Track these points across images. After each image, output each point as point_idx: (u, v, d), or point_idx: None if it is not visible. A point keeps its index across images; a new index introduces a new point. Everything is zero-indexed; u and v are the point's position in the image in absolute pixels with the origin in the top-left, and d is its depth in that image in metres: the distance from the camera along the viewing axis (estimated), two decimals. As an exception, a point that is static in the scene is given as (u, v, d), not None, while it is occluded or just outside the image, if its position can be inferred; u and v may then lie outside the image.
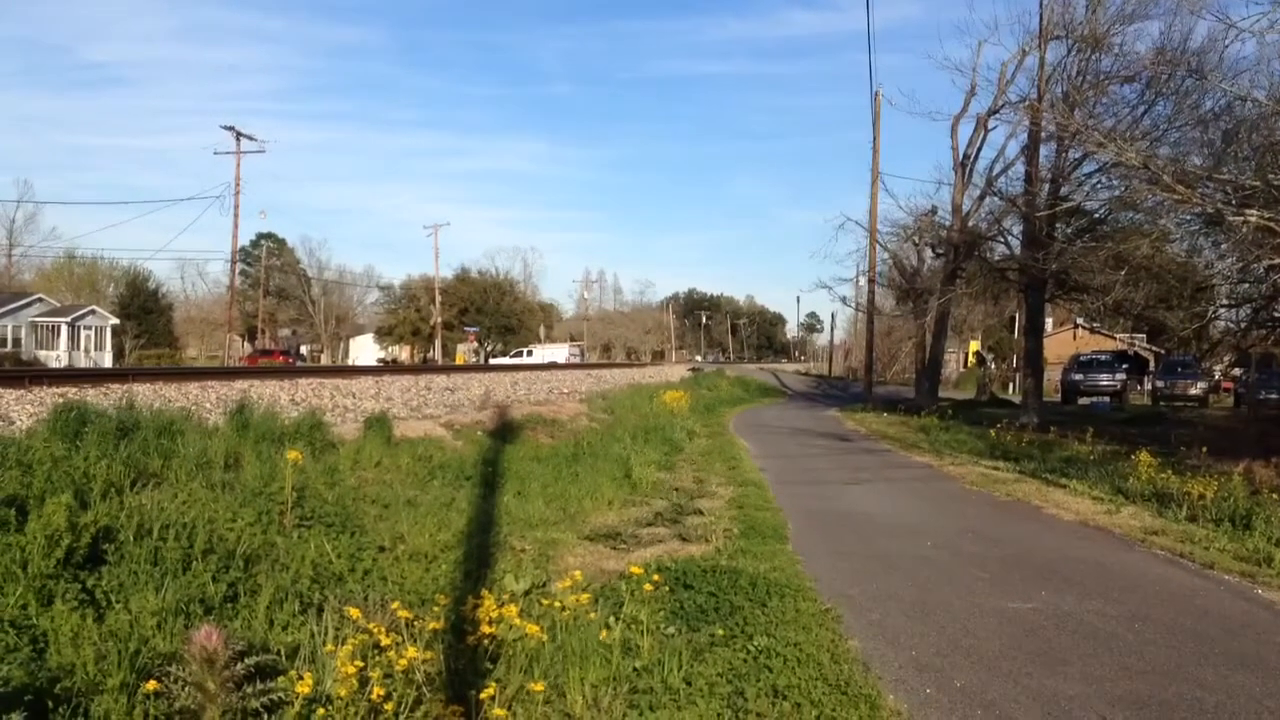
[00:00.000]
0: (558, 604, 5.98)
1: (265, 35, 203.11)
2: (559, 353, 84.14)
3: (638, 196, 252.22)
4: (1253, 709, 5.41)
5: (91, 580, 5.72)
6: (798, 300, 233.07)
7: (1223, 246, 20.45)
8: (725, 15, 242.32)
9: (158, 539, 6.41)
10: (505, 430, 16.39)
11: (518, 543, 8.91)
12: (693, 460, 17.51)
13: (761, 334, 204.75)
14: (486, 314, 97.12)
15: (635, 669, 5.48)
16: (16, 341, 59.21)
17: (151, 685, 4.17)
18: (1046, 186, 26.70)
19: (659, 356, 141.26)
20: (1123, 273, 21.75)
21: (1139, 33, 25.51)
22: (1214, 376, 45.85)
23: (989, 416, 27.57)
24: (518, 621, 5.42)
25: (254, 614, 5.75)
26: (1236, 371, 42.43)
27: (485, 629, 5.40)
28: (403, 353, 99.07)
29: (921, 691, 5.58)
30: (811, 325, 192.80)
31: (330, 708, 4.27)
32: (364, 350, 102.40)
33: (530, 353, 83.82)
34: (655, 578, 6.70)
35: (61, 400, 11.85)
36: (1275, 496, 11.78)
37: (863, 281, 43.24)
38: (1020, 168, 30.08)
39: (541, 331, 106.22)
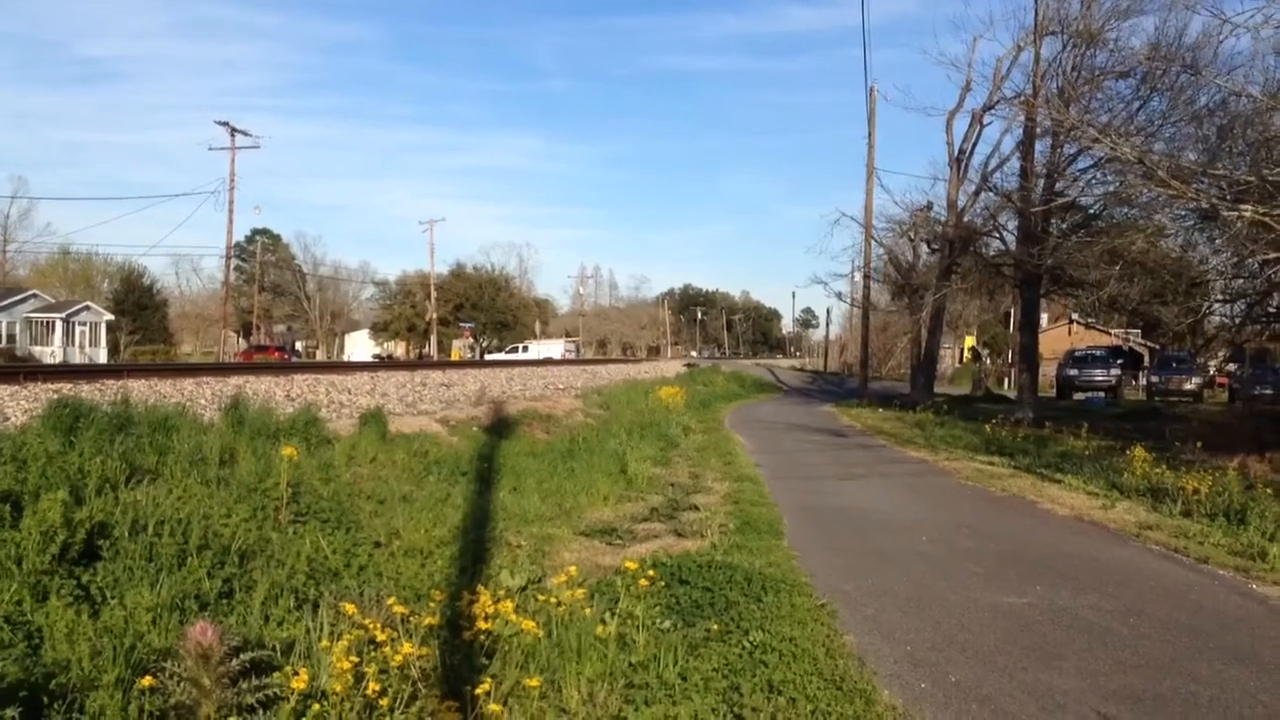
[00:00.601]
0: (553, 599, 5.98)
1: (260, 31, 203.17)
2: (554, 349, 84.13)
3: (633, 192, 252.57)
4: (1247, 703, 5.42)
5: (86, 576, 5.71)
6: (793, 296, 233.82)
7: (1217, 242, 20.46)
8: (721, 11, 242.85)
9: (153, 535, 6.40)
10: (501, 426, 16.38)
11: (513, 538, 8.91)
12: (688, 456, 17.51)
13: (757, 330, 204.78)
14: (482, 310, 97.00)
15: (631, 664, 5.49)
16: (11, 337, 59.13)
17: (147, 681, 4.17)
18: (1041, 182, 26.75)
19: (654, 352, 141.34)
20: (1118, 268, 21.80)
21: (1134, 28, 25.63)
22: (1209, 372, 45.86)
23: (984, 412, 27.59)
24: (513, 617, 5.42)
25: (249, 610, 5.75)
26: (1231, 367, 42.48)
27: (481, 624, 5.40)
28: (398, 349, 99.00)
29: (916, 686, 5.59)
30: (807, 321, 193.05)
31: (325, 703, 4.27)
32: (359, 346, 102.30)
33: (526, 349, 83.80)
34: (651, 573, 6.72)
35: (56, 396, 11.82)
36: (1270, 491, 11.80)
37: (858, 277, 43.20)
38: (1015, 163, 30.17)
39: (537, 327, 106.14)
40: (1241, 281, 22.59)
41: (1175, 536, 10.43)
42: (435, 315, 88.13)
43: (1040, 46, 27.65)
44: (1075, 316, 62.98)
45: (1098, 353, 46.85)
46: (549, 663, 5.30)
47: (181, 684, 4.16)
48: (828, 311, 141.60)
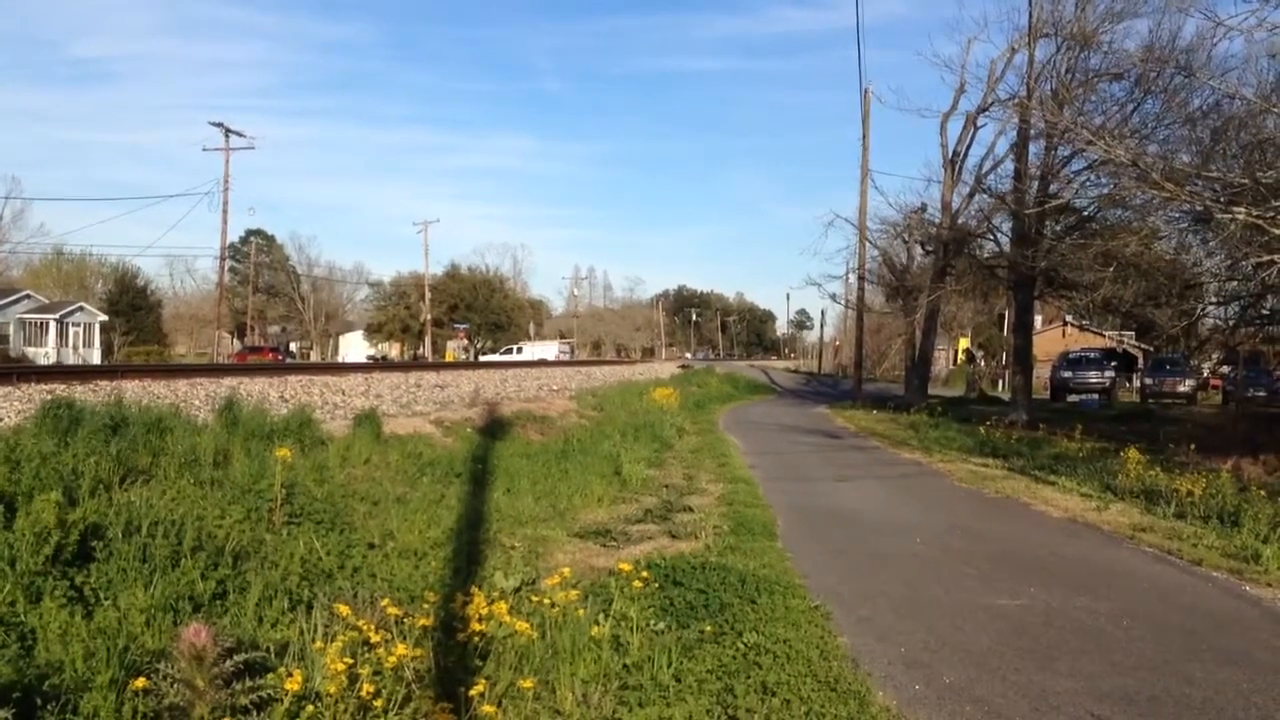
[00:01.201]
0: (547, 601, 5.98)
1: (255, 31, 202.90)
2: (549, 350, 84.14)
3: (628, 193, 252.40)
4: (1240, 704, 5.44)
5: (80, 577, 5.70)
6: (787, 297, 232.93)
7: (1211, 244, 20.49)
8: (716, 12, 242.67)
9: (146, 536, 6.39)
10: (495, 427, 16.37)
11: (507, 540, 8.91)
12: (682, 457, 17.51)
13: (751, 331, 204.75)
14: (476, 311, 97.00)
15: (625, 666, 5.49)
16: (4, 338, 58.95)
17: (140, 682, 4.17)
18: (1036, 184, 26.78)
19: (649, 353, 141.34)
20: (1111, 270, 21.80)
21: (1128, 30, 25.55)
22: (1202, 374, 45.98)
23: (978, 413, 27.63)
24: (507, 619, 5.42)
25: (243, 611, 5.74)
26: (1225, 369, 42.49)
27: (475, 626, 5.39)
28: (392, 350, 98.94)
29: (910, 688, 5.59)
30: (801, 322, 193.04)
31: (319, 705, 4.26)
32: (354, 347, 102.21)
33: (520, 350, 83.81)
34: (645, 575, 6.72)
35: (50, 397, 11.81)
36: (1263, 493, 11.82)
37: (852, 279, 43.24)
38: (1009, 165, 30.23)
39: (531, 328, 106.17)
40: (1235, 284, 22.65)
41: (1169, 539, 10.46)
42: (430, 316, 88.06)
43: (1034, 49, 27.72)
44: (1069, 319, 63.06)
45: (1092, 355, 46.90)
46: (543, 664, 5.30)
47: (175, 685, 4.15)
48: (822, 313, 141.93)
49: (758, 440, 22.26)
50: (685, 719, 4.85)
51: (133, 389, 14.89)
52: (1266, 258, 16.05)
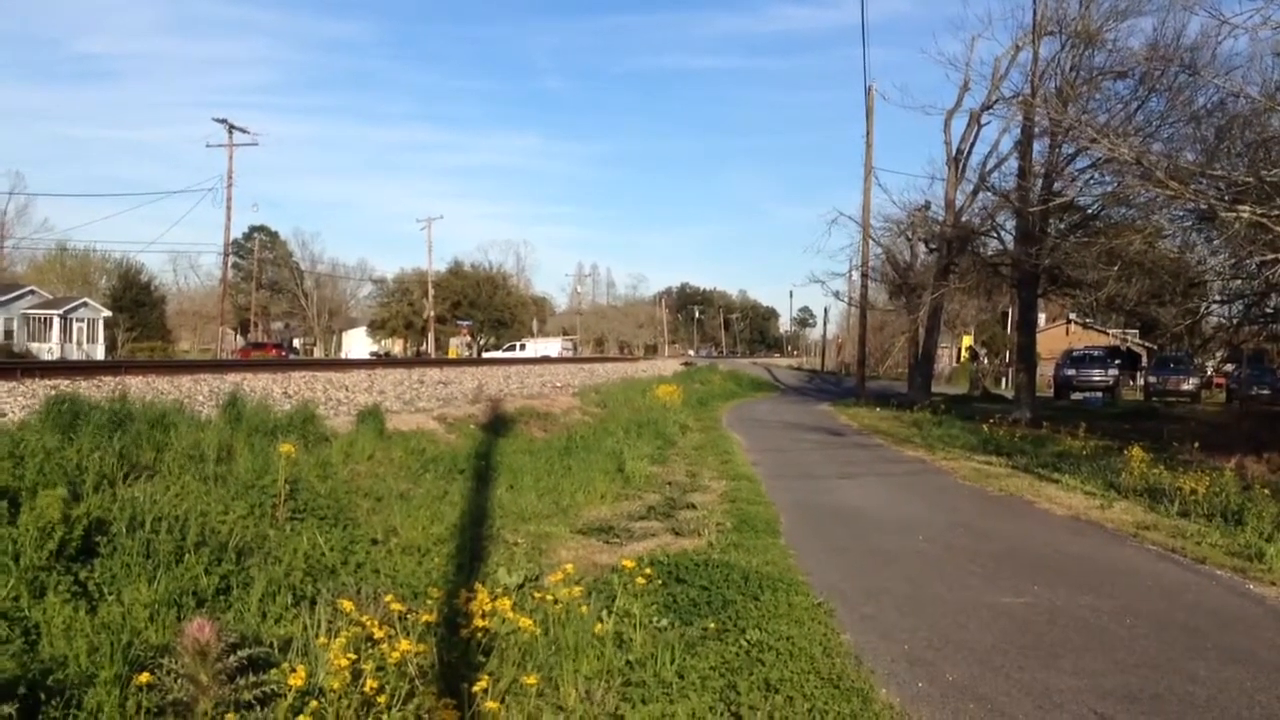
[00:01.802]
0: (550, 597, 5.98)
1: (258, 28, 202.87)
2: (552, 347, 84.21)
3: (630, 191, 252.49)
4: (1244, 702, 5.43)
5: (84, 572, 5.71)
6: (790, 295, 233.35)
7: (1215, 242, 20.46)
8: (718, 10, 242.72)
9: (150, 531, 6.39)
10: (498, 424, 16.38)
11: (510, 536, 8.91)
12: (685, 454, 17.51)
13: (754, 328, 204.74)
14: (479, 308, 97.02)
15: (628, 662, 5.49)
16: (8, 334, 59.12)
17: (144, 677, 4.17)
18: (1039, 182, 26.77)
19: (652, 351, 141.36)
20: (1115, 268, 21.77)
21: (1132, 28, 25.62)
22: (1206, 372, 45.85)
23: (982, 411, 27.60)
24: (511, 615, 5.42)
25: (246, 606, 5.75)
26: (1229, 367, 42.42)
27: (478, 622, 5.39)
28: (395, 346, 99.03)
29: (914, 685, 5.59)
30: (804, 320, 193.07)
31: (323, 700, 4.26)
32: (357, 344, 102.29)
33: (523, 346, 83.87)
34: (648, 571, 6.73)
35: (54, 392, 11.82)
36: (1267, 492, 11.81)
37: (856, 276, 43.19)
38: (1013, 163, 30.23)
39: (534, 325, 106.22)
40: (1239, 282, 22.60)
41: (1172, 537, 10.45)
42: (433, 313, 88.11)
43: (1039, 46, 27.68)
44: (1073, 316, 63.02)
45: (1095, 353, 46.83)
46: (546, 660, 5.30)
47: (179, 680, 4.16)
48: (825, 311, 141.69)
49: (761, 437, 22.26)
50: (688, 716, 4.85)
51: (136, 385, 14.90)
52: (1271, 256, 16.04)
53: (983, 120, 33.65)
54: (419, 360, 50.54)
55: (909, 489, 14.21)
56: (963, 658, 6.11)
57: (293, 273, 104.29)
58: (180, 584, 5.75)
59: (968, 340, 67.82)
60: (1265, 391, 35.06)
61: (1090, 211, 26.86)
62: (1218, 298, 25.46)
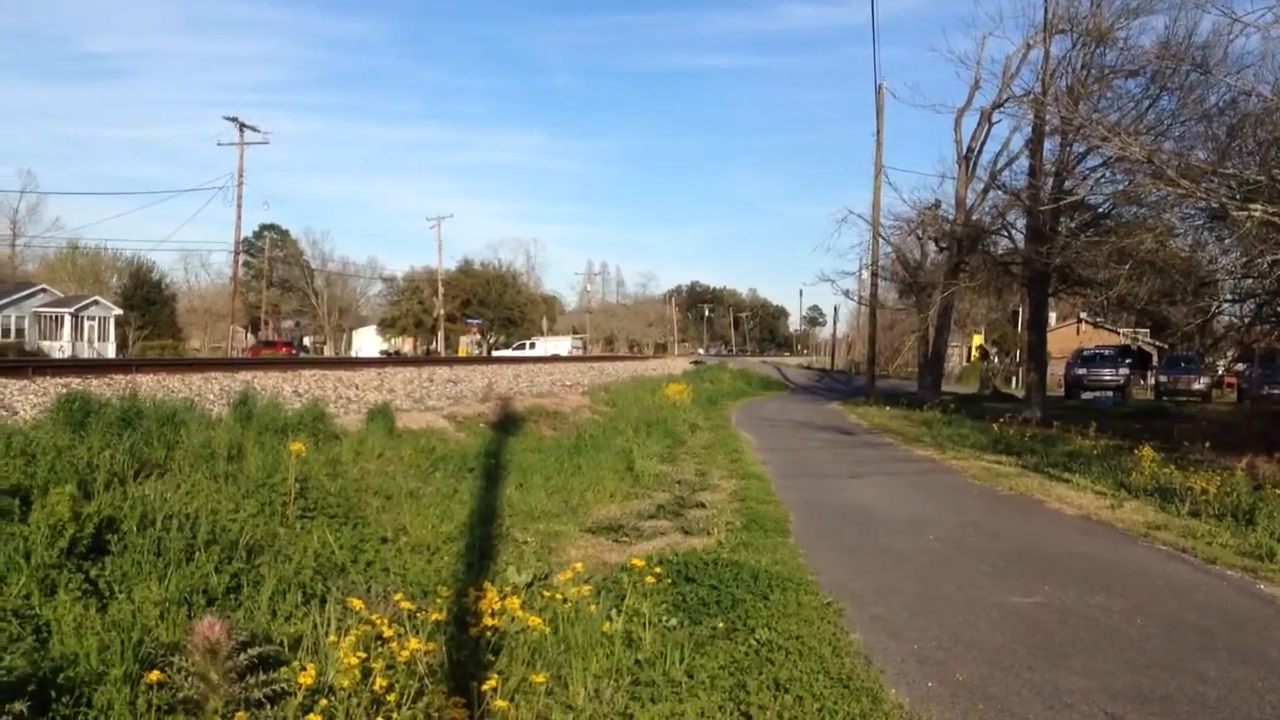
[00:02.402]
0: (560, 596, 5.98)
1: (268, 26, 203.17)
2: (561, 345, 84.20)
3: (640, 189, 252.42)
4: (1255, 703, 5.41)
5: (95, 570, 5.72)
6: (800, 294, 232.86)
7: (1227, 241, 20.44)
8: (727, 9, 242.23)
9: (161, 529, 6.41)
10: (507, 422, 16.40)
11: (520, 534, 8.92)
12: (695, 453, 17.51)
13: (764, 327, 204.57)
14: (489, 306, 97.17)
15: (637, 661, 5.49)
16: (20, 332, 59.34)
17: (154, 675, 4.18)
18: (1050, 180, 26.69)
19: (661, 349, 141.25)
20: (1126, 267, 21.70)
21: (1144, 26, 25.54)
22: (1217, 371, 45.68)
23: (992, 411, 27.54)
24: (520, 613, 5.42)
25: (257, 605, 5.76)
26: (1240, 367, 42.29)
27: (487, 621, 5.40)
28: (405, 345, 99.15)
29: (923, 685, 5.58)
30: (814, 318, 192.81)
31: (333, 699, 4.27)
32: (367, 342, 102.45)
33: (533, 345, 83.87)
34: (657, 570, 6.72)
35: (65, 391, 11.86)
36: (1278, 492, 11.77)
37: (866, 275, 43.22)
38: (1024, 161, 30.14)
39: (544, 324, 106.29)
40: (1251, 281, 22.54)
41: (1183, 537, 10.41)
42: (442, 311, 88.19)
43: (1050, 45, 27.62)
44: (1083, 315, 62.85)
45: (1106, 352, 46.70)
46: (555, 659, 5.30)
47: (189, 679, 4.17)
48: (835, 309, 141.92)
49: (770, 436, 22.24)
50: (697, 715, 4.85)
51: (147, 383, 14.94)
52: (1283, 255, 15.97)
53: (994, 119, 33.61)
54: (429, 359, 50.57)
55: (919, 488, 14.19)
56: (972, 657, 6.10)
57: (303, 271, 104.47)
58: (191, 582, 5.77)
59: (978, 339, 67.66)
60: (1277, 391, 34.88)
61: (1101, 210, 26.79)
62: (1229, 297, 25.38)
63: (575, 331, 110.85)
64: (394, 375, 23.77)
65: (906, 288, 42.92)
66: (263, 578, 6.12)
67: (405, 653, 4.57)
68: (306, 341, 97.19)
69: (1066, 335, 63.22)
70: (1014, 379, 56.34)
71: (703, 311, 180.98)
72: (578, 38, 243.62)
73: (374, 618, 4.89)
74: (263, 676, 4.28)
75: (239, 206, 58.32)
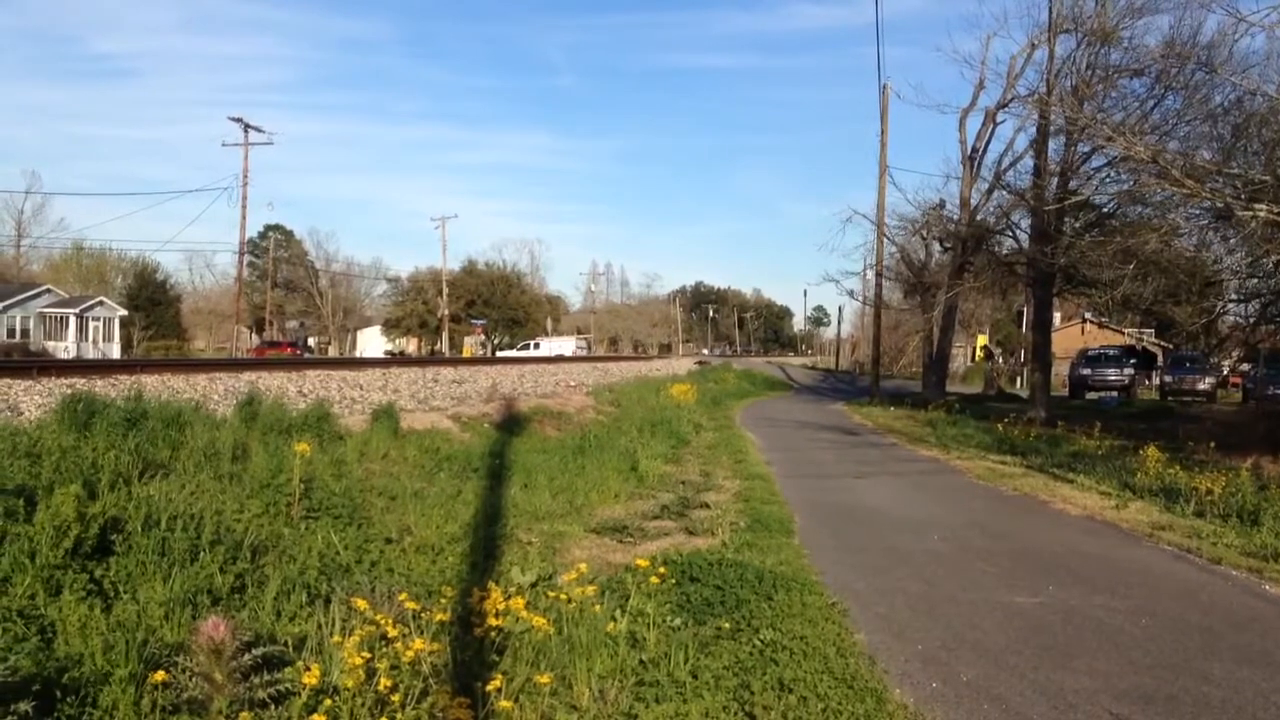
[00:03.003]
0: (564, 596, 5.98)
1: (273, 27, 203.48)
2: (566, 345, 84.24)
3: (644, 189, 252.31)
4: (1259, 703, 5.40)
5: (99, 570, 5.73)
6: (804, 294, 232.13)
7: (1232, 241, 20.39)
8: (732, 8, 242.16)
9: (165, 530, 6.42)
10: (512, 423, 16.40)
11: (524, 535, 8.92)
12: (699, 453, 17.51)
13: (768, 327, 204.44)
14: (493, 306, 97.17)
15: (641, 661, 5.49)
16: (25, 332, 59.44)
17: (159, 676, 4.19)
18: (1055, 180, 26.67)
19: (666, 350, 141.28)
20: (1131, 267, 21.68)
21: (1148, 26, 25.39)
22: (1222, 372, 45.58)
23: (996, 411, 27.51)
24: (524, 614, 5.43)
25: (261, 605, 5.77)
26: (1245, 367, 42.17)
27: (492, 621, 5.40)
28: (410, 345, 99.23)
29: (928, 685, 5.58)
30: (818, 319, 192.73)
31: (337, 699, 4.28)
32: (371, 342, 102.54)
33: (537, 345, 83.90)
34: (661, 570, 6.72)
35: (70, 391, 11.87)
36: (1283, 492, 11.76)
37: (870, 275, 43.13)
38: (1029, 161, 30.15)
39: (548, 324, 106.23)
40: (1256, 281, 22.51)
41: (1188, 537, 10.40)
42: (447, 312, 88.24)
43: (1054, 44, 27.56)
44: (1088, 316, 62.77)
45: (1111, 352, 46.59)
46: (560, 660, 5.30)
47: (194, 679, 4.17)
48: (839, 310, 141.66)
49: (775, 436, 22.24)
50: (702, 715, 4.85)
51: (152, 383, 14.95)
52: (1288, 255, 15.95)
53: (998, 119, 33.64)
54: (433, 359, 50.63)
55: (923, 488, 14.18)
56: (977, 658, 6.09)
57: (308, 271, 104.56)
58: (195, 582, 5.77)
59: (982, 339, 67.61)
60: (1282, 391, 34.80)
61: (1106, 210, 26.74)
62: (1234, 297, 25.34)
63: (580, 332, 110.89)
64: (398, 376, 23.78)
65: (911, 288, 42.87)
66: (267, 578, 6.13)
67: (409, 653, 4.57)
68: (311, 342, 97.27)
69: (1071, 335, 63.10)
70: (1018, 379, 56.27)
71: (707, 312, 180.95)
72: (584, 37, 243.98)
73: (378, 618, 4.90)
74: (267, 677, 4.29)
75: (243, 207, 58.49)
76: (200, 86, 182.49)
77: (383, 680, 4.32)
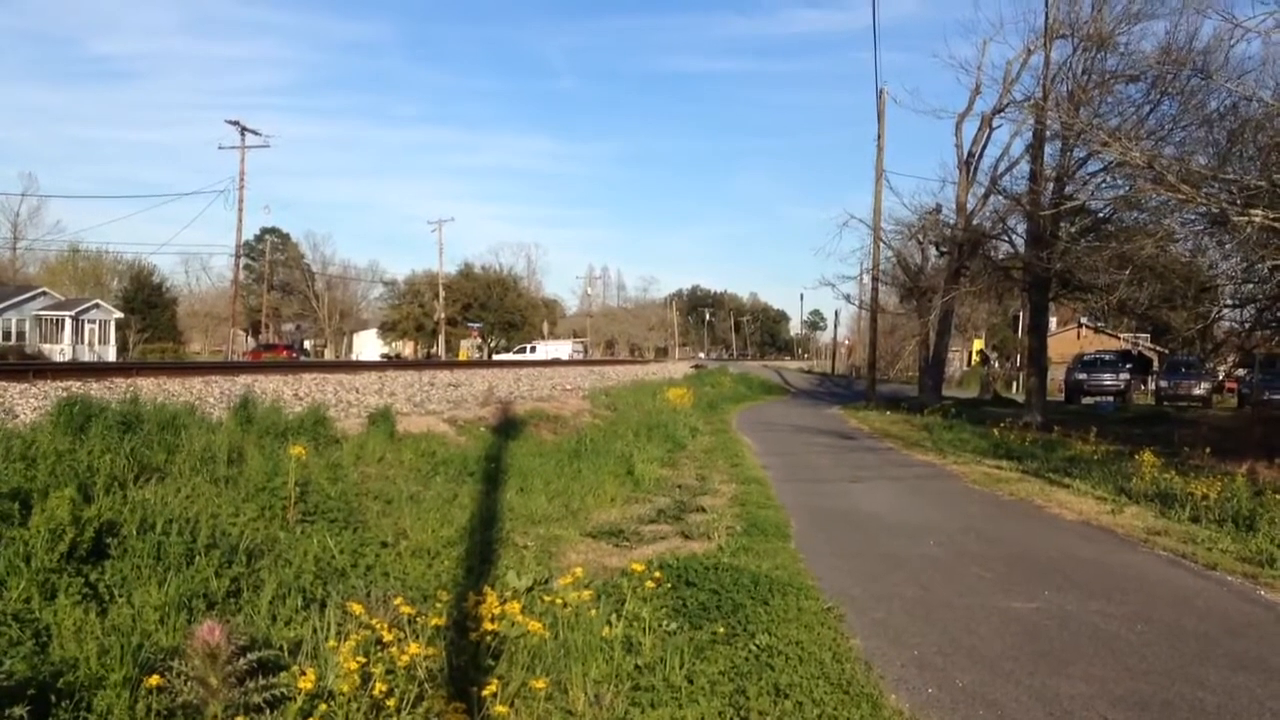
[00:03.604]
0: (560, 601, 5.98)
1: (271, 29, 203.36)
2: (562, 349, 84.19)
3: (642, 192, 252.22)
4: (1255, 710, 5.41)
5: (94, 574, 5.73)
6: (801, 298, 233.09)
7: (1227, 247, 20.44)
8: (730, 12, 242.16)
9: (161, 533, 6.41)
10: (508, 426, 16.39)
11: (520, 539, 8.92)
12: (695, 457, 17.51)
13: (765, 331, 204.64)
14: (490, 310, 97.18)
15: (637, 666, 5.49)
16: (20, 335, 59.38)
17: (154, 680, 4.18)
18: (1051, 185, 26.67)
19: (662, 353, 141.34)
20: (1127, 272, 21.71)
21: (1144, 32, 25.37)
22: (1218, 377, 45.66)
23: (992, 415, 27.56)
24: (520, 618, 5.42)
25: (257, 609, 5.76)
26: (1240, 372, 42.24)
27: (488, 625, 5.40)
28: (406, 348, 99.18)
29: (924, 691, 5.58)
30: (815, 323, 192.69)
31: (333, 703, 4.27)
32: (367, 346, 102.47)
33: (534, 349, 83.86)
34: (657, 575, 6.71)
35: (65, 394, 11.85)
36: (1278, 497, 11.77)
37: (866, 279, 43.21)
38: (1025, 166, 30.16)
39: (545, 328, 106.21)
40: (1251, 286, 22.56)
41: (1183, 542, 10.41)
42: (443, 315, 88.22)
43: (1050, 50, 27.58)
44: (1084, 320, 62.90)
45: (1106, 357, 46.68)
46: (555, 664, 5.30)
47: (189, 683, 4.17)
48: (835, 314, 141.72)
49: (771, 441, 22.25)
50: (697, 720, 4.85)
51: (148, 386, 14.94)
52: (1283, 260, 15.98)
53: (994, 124, 33.64)
54: (429, 362, 50.60)
55: (919, 493, 14.18)
56: (973, 663, 6.10)
57: (304, 274, 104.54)
58: (191, 586, 5.76)
59: (979, 344, 67.78)
60: (1277, 396, 34.86)
61: (1102, 215, 26.77)
62: (1229, 302, 25.41)
63: (576, 335, 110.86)
64: (395, 379, 23.77)
65: (907, 292, 42.94)
66: (263, 582, 6.12)
67: (405, 657, 4.57)
68: (307, 345, 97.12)
69: (1067, 340, 63.23)
70: (1014, 384, 56.32)
71: (704, 315, 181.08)
72: (583, 40, 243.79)
73: (374, 622, 4.90)
74: (262, 681, 4.28)
75: (240, 210, 58.53)
76: (199, 89, 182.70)
77: (378, 685, 4.32)
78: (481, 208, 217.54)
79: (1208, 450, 16.33)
